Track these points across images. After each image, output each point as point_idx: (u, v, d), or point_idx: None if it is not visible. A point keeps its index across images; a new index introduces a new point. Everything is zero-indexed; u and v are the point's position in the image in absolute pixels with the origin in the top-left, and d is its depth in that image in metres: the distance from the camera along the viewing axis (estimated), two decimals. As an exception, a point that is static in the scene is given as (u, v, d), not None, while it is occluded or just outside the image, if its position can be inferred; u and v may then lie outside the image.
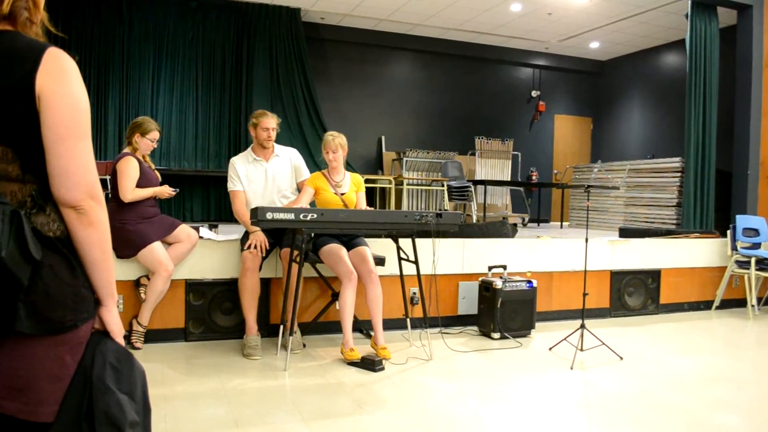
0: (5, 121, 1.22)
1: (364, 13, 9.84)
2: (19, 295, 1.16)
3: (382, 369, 3.81)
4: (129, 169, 4.03)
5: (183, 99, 9.29)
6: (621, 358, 4.22)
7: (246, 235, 4.28)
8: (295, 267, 3.96)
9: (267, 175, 4.41)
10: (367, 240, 4.34)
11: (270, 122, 4.39)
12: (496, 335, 4.71)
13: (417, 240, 4.19)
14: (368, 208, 4.38)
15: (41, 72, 1.22)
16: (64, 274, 1.24)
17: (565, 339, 4.41)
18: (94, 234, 1.29)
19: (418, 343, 4.43)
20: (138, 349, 4.07)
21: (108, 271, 1.34)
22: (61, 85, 1.25)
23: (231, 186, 4.37)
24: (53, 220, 1.26)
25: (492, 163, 11.40)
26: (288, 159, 4.53)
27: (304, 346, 4.30)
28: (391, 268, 4.49)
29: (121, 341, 1.38)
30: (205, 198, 9.30)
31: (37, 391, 1.23)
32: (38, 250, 1.19)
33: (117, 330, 1.37)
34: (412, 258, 4.16)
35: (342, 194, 4.31)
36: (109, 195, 4.32)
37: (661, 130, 11.18)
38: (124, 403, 1.29)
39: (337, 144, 4.30)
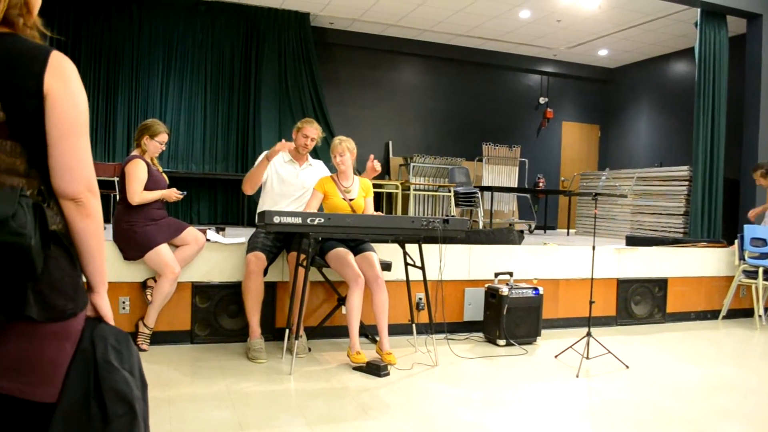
0: (16, 118, 1.29)
1: (372, 18, 9.87)
2: (29, 283, 1.24)
3: (387, 374, 3.80)
4: (137, 172, 4.05)
5: (191, 102, 9.34)
6: (627, 367, 4.20)
7: (252, 238, 4.30)
8: (301, 271, 3.97)
9: (298, 179, 4.47)
10: (373, 245, 4.35)
11: (312, 132, 4.44)
12: (502, 342, 4.70)
13: (423, 246, 4.18)
14: (377, 213, 4.39)
15: (48, 73, 1.31)
16: (65, 266, 1.34)
17: (571, 347, 4.40)
18: (91, 224, 1.38)
19: (424, 348, 4.43)
20: (144, 350, 4.09)
21: (102, 260, 1.44)
22: (66, 85, 1.33)
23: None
24: (56, 213, 1.35)
25: (499, 170, 11.39)
26: (319, 173, 4.57)
27: (310, 350, 4.30)
28: (397, 273, 4.49)
29: (113, 324, 1.47)
30: (212, 201, 9.33)
31: (37, 373, 1.31)
32: (50, 242, 1.28)
33: (109, 314, 1.47)
34: (418, 263, 4.16)
35: (351, 200, 4.32)
36: (117, 197, 4.34)
37: (669, 138, 11.16)
38: (129, 380, 1.38)
39: (344, 147, 4.30)
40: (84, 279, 1.41)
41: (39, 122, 1.30)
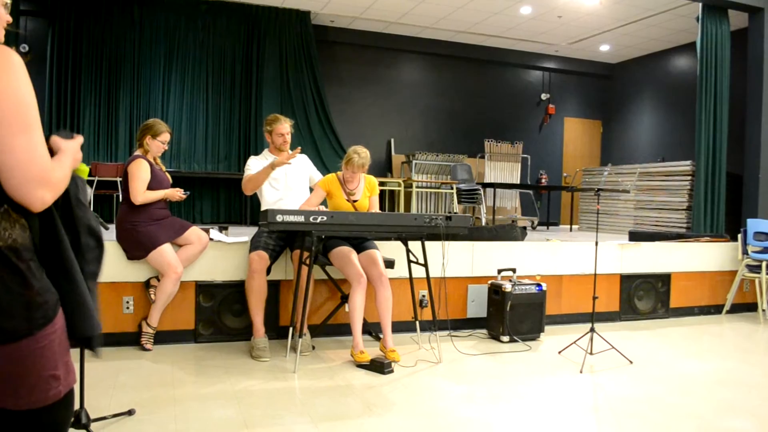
0: None
1: (373, 16, 9.86)
2: None
3: (391, 371, 3.81)
4: (140, 172, 4.06)
5: (193, 101, 9.35)
6: (631, 362, 4.20)
7: (255, 237, 4.30)
8: (305, 269, 3.98)
9: (288, 176, 4.47)
10: (376, 243, 4.35)
11: (284, 127, 4.46)
12: (506, 338, 4.70)
13: (426, 243, 4.19)
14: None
15: None
16: (14, 285, 1.23)
17: (574, 342, 4.40)
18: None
19: (427, 345, 4.43)
20: (148, 350, 4.10)
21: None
22: (4, 79, 1.21)
23: (246, 173, 4.41)
24: (5, 228, 1.24)
25: (501, 166, 11.38)
26: (302, 165, 4.60)
27: (314, 348, 4.31)
28: (400, 270, 4.49)
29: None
30: (215, 200, 9.34)
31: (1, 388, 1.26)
32: None
33: (65, 148, 1.39)
34: (421, 261, 4.16)
35: (354, 201, 4.32)
36: (120, 197, 4.35)
37: (671, 133, 11.13)
38: (97, 217, 1.48)
39: (359, 165, 4.19)
40: (44, 298, 1.29)
41: None
